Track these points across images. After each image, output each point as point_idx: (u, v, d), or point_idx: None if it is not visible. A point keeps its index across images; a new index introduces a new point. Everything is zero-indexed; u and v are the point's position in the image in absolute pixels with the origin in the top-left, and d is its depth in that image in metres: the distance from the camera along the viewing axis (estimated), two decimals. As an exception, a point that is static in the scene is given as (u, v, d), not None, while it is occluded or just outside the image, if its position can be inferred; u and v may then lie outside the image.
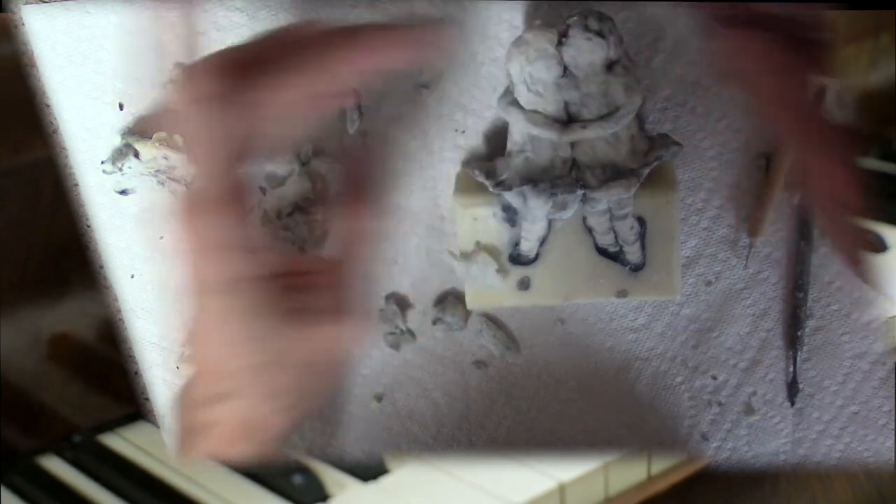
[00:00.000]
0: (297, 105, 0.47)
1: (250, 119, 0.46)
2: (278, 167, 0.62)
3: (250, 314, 0.48)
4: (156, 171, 0.61)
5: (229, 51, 0.47)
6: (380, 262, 0.59)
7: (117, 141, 0.61)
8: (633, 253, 0.58)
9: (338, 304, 0.50)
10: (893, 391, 0.64)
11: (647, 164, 0.56)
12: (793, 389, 0.65)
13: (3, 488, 0.77)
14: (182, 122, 0.46)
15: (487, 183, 0.57)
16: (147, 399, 0.67)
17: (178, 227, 0.47)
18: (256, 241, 0.48)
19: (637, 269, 0.58)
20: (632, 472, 0.69)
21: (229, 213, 0.46)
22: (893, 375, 0.64)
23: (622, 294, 0.59)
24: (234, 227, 0.47)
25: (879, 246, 0.65)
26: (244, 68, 0.46)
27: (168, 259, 0.50)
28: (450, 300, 0.63)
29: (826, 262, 0.63)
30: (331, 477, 0.71)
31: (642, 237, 0.58)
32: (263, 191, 0.63)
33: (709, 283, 0.64)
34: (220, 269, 0.47)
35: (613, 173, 0.55)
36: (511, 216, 0.58)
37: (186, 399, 0.53)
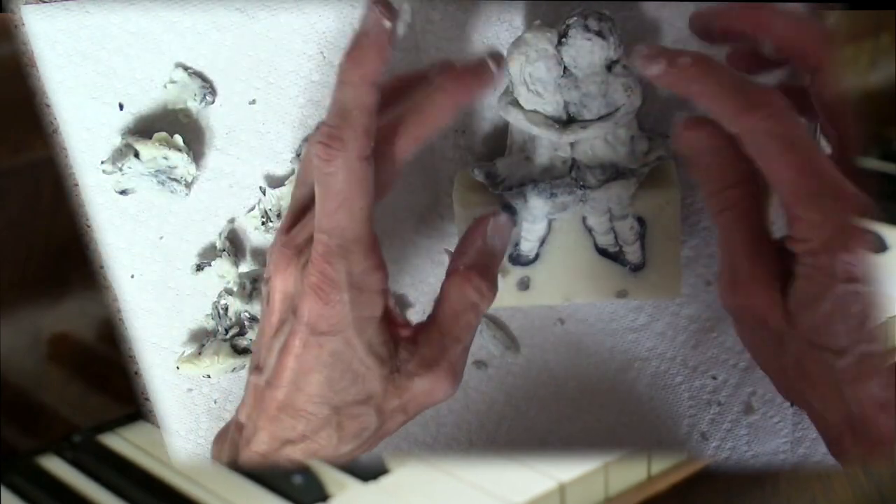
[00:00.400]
0: (409, 151, 0.52)
1: (386, 171, 0.51)
2: (278, 167, 0.62)
3: (349, 354, 0.50)
4: (156, 171, 0.61)
5: (376, 101, 0.50)
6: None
7: (117, 141, 0.61)
8: (633, 253, 0.58)
9: (439, 360, 0.53)
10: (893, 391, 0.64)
11: (646, 164, 0.56)
12: (793, 389, 0.65)
13: (3, 488, 0.77)
14: (332, 172, 0.49)
15: (488, 183, 0.57)
16: (147, 399, 0.67)
17: (304, 270, 0.50)
18: (378, 287, 0.51)
19: (637, 269, 0.58)
20: (632, 472, 0.69)
21: (372, 257, 0.50)
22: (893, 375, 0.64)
23: (622, 294, 0.59)
24: (369, 271, 0.50)
25: (879, 246, 0.65)
26: (389, 129, 0.51)
27: (267, 301, 0.52)
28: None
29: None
30: (331, 477, 0.71)
31: (642, 237, 0.58)
32: (263, 191, 0.63)
33: (709, 283, 0.64)
34: (338, 311, 0.50)
35: (613, 173, 0.55)
36: (511, 216, 0.58)
37: (231, 444, 0.54)
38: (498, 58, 0.53)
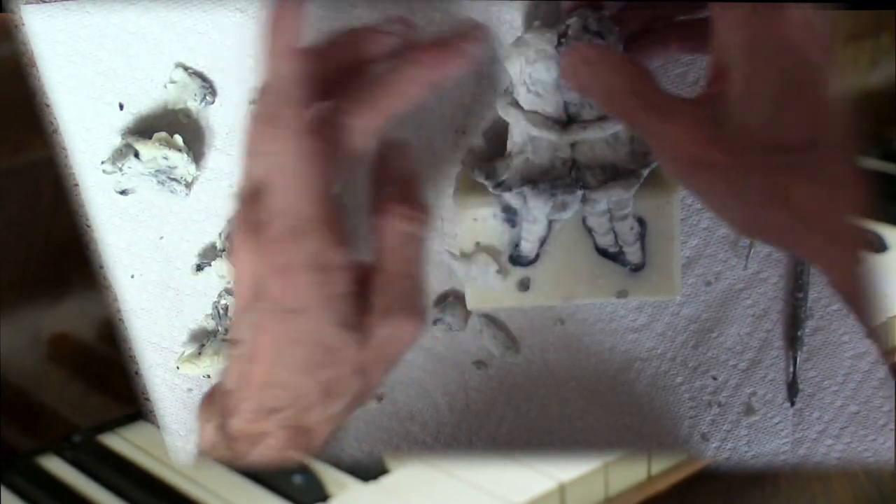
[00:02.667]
0: (379, 126, 0.49)
1: (341, 143, 0.48)
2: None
3: (321, 331, 0.49)
4: (156, 171, 0.61)
5: (304, 70, 0.47)
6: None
7: (117, 141, 0.61)
8: (633, 253, 0.58)
9: (393, 303, 0.51)
10: (893, 391, 0.64)
11: (646, 164, 0.56)
12: (793, 389, 0.65)
13: (3, 488, 0.77)
14: (273, 151, 0.47)
15: (487, 183, 0.57)
16: (147, 399, 0.67)
17: (264, 249, 0.48)
18: (341, 263, 0.49)
19: (637, 269, 0.58)
20: (632, 472, 0.69)
21: (329, 235, 0.48)
22: (893, 375, 0.64)
23: (622, 294, 0.59)
24: (329, 249, 0.48)
25: (879, 246, 0.65)
26: (327, 93, 0.48)
27: (234, 281, 0.51)
28: (450, 300, 0.63)
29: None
30: (331, 477, 0.71)
31: (642, 237, 0.58)
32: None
33: (709, 284, 0.64)
34: (303, 292, 0.48)
35: (613, 174, 0.55)
36: (511, 217, 0.58)
37: (219, 410, 0.53)
38: (476, 32, 0.51)
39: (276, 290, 0.48)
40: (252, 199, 0.49)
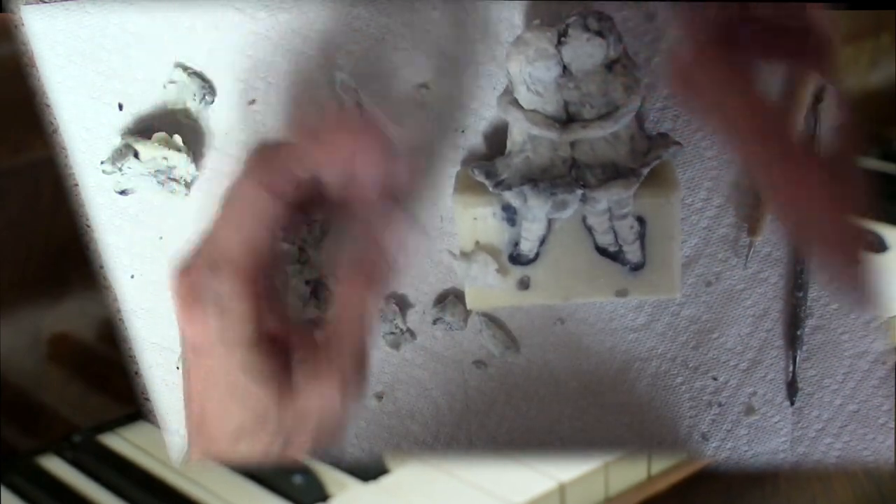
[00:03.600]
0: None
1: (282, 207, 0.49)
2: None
3: (230, 374, 0.49)
4: (156, 171, 0.61)
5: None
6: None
7: (117, 141, 0.61)
8: (632, 252, 0.58)
9: (328, 366, 0.49)
10: (893, 390, 0.64)
11: (646, 163, 0.56)
12: (792, 389, 0.65)
13: (3, 488, 0.77)
14: (228, 192, 0.49)
15: (487, 183, 0.57)
16: (147, 399, 0.67)
17: (180, 280, 0.48)
18: (244, 315, 0.48)
19: (637, 268, 0.58)
20: (632, 472, 0.69)
21: (235, 283, 0.48)
22: (893, 374, 0.64)
23: (622, 294, 0.59)
24: (233, 297, 0.48)
25: (879, 246, 0.65)
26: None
27: (175, 317, 0.51)
28: (450, 300, 0.63)
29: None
30: (331, 477, 0.71)
31: (642, 237, 0.58)
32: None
33: (709, 284, 0.64)
34: (206, 329, 0.48)
35: (613, 173, 0.55)
36: (511, 216, 0.58)
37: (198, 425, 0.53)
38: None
39: (183, 324, 0.49)
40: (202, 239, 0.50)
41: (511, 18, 0.59)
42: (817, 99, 0.62)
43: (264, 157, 0.49)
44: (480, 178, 0.57)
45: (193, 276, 0.48)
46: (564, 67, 0.54)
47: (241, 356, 0.48)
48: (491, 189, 0.56)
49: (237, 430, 0.49)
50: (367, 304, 0.50)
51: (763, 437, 0.66)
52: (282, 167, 0.49)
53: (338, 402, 0.49)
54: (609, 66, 0.54)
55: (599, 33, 0.53)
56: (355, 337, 0.50)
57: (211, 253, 0.48)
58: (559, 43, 0.54)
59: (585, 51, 0.53)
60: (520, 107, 0.55)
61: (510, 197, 0.56)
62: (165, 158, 0.60)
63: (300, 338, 0.50)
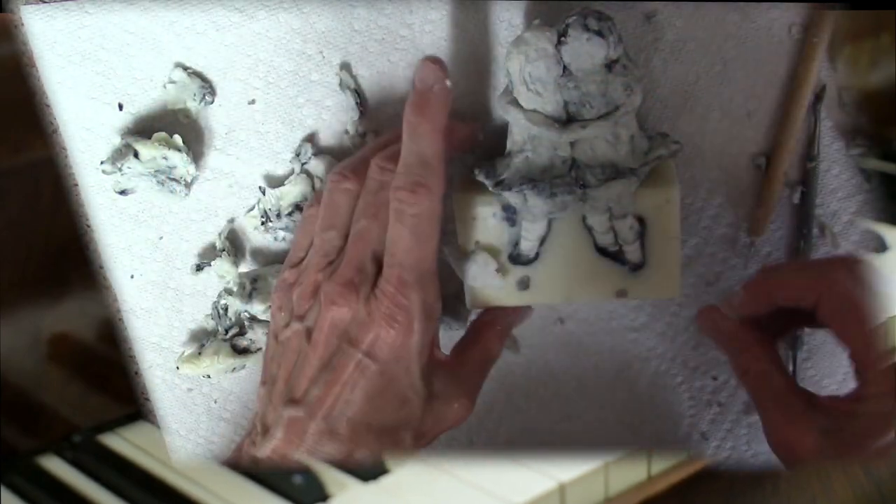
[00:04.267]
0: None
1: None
2: (277, 167, 0.62)
3: (403, 381, 0.54)
4: (156, 171, 0.61)
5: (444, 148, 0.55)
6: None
7: (117, 141, 0.61)
8: (632, 252, 0.58)
9: (470, 387, 0.58)
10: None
11: (646, 163, 0.56)
12: (792, 389, 0.65)
13: (3, 488, 0.77)
14: (410, 219, 0.53)
15: (487, 182, 0.57)
16: (147, 399, 0.67)
17: (385, 303, 0.53)
18: (439, 314, 0.55)
19: (637, 268, 0.58)
20: (632, 472, 0.69)
21: (436, 289, 0.54)
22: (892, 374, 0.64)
23: (622, 294, 0.59)
24: (436, 301, 0.54)
25: (879, 246, 0.65)
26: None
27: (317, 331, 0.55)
28: (450, 300, 0.63)
29: (826, 262, 0.63)
30: (331, 477, 0.70)
31: (642, 237, 0.58)
32: (263, 191, 0.63)
33: (709, 284, 0.64)
34: (410, 340, 0.53)
35: (613, 173, 0.55)
36: (511, 216, 0.58)
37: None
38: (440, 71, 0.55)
39: (378, 340, 0.53)
40: (327, 259, 0.55)
41: (511, 18, 0.59)
42: (817, 98, 0.62)
43: (430, 176, 0.53)
44: (480, 178, 0.57)
45: (400, 295, 0.53)
46: (564, 67, 0.54)
47: (426, 359, 0.54)
48: (491, 189, 0.56)
49: (380, 428, 0.54)
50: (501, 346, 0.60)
51: (763, 437, 0.65)
52: (439, 177, 0.54)
53: (466, 417, 0.57)
54: (609, 65, 0.54)
55: (599, 33, 0.53)
56: (489, 366, 0.60)
57: (411, 270, 0.53)
58: (559, 43, 0.54)
59: (585, 50, 0.53)
60: (520, 106, 0.55)
61: (510, 197, 0.56)
62: (165, 158, 0.60)
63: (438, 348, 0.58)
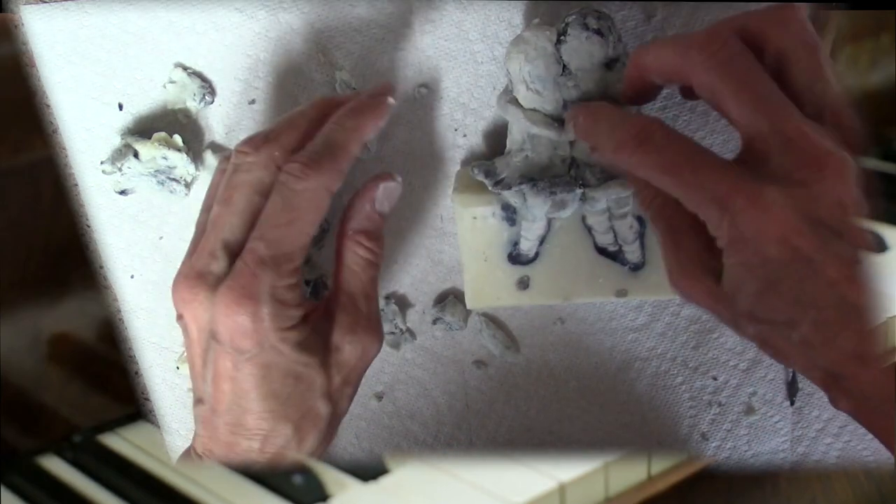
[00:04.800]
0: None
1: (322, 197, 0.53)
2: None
3: (283, 361, 0.52)
4: (156, 171, 0.61)
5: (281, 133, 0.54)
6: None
7: (117, 141, 0.61)
8: (632, 252, 0.58)
9: (356, 320, 0.55)
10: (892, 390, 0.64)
11: (646, 163, 0.56)
12: (792, 388, 0.65)
13: (3, 488, 0.77)
14: (290, 193, 0.51)
15: (487, 182, 0.57)
16: (147, 399, 0.67)
17: (228, 288, 0.50)
18: (296, 302, 0.52)
19: (637, 268, 0.58)
20: (632, 472, 0.69)
21: (291, 276, 0.51)
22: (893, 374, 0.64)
23: (622, 294, 0.59)
24: (290, 288, 0.51)
25: (879, 246, 0.65)
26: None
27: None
28: (450, 300, 0.63)
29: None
30: (331, 477, 0.71)
31: (642, 236, 0.58)
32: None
33: (709, 283, 0.64)
34: (261, 327, 0.51)
35: (613, 172, 0.55)
36: (510, 215, 0.58)
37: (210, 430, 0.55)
38: (387, 87, 0.56)
39: (229, 331, 0.50)
40: (204, 249, 0.52)
41: (511, 18, 0.59)
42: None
43: (331, 161, 0.52)
44: (480, 178, 0.57)
45: (245, 278, 0.50)
46: (564, 66, 0.54)
47: (294, 338, 0.51)
48: (490, 188, 0.56)
49: (288, 408, 0.52)
50: (371, 253, 0.56)
51: (763, 437, 0.66)
52: (339, 169, 0.52)
53: (373, 348, 0.55)
54: (608, 64, 0.54)
55: (599, 32, 0.53)
56: (370, 284, 0.55)
57: (270, 246, 0.51)
58: (558, 42, 0.54)
59: (585, 49, 0.53)
60: (519, 106, 0.55)
61: (510, 196, 0.56)
62: (165, 158, 0.60)
63: (315, 307, 0.54)
